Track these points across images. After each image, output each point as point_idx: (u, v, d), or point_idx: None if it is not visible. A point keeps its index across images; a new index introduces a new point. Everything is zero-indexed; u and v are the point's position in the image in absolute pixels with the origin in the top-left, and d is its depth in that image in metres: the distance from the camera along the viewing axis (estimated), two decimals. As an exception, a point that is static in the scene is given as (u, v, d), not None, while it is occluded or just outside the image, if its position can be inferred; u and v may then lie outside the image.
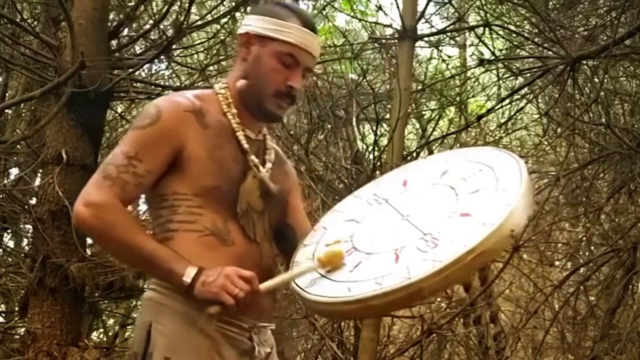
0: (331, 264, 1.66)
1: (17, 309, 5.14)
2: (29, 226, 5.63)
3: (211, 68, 5.26)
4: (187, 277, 1.61)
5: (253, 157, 1.77)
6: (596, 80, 4.57)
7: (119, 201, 1.66)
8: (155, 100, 1.76)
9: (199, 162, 1.70)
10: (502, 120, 5.76)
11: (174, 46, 5.06)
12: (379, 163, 5.24)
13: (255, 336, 1.74)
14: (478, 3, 5.11)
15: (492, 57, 4.97)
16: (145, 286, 4.39)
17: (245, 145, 1.76)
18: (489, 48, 5.17)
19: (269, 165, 1.81)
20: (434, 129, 6.11)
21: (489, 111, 5.27)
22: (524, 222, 1.60)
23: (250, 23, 1.80)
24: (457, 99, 5.74)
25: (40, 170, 4.82)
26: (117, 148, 1.71)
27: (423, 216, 1.69)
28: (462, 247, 1.50)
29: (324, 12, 6.21)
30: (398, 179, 1.90)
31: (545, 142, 5.65)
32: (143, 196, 1.82)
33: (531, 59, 4.98)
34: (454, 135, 5.80)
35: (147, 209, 1.88)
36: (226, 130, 1.76)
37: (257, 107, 1.78)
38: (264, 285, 1.66)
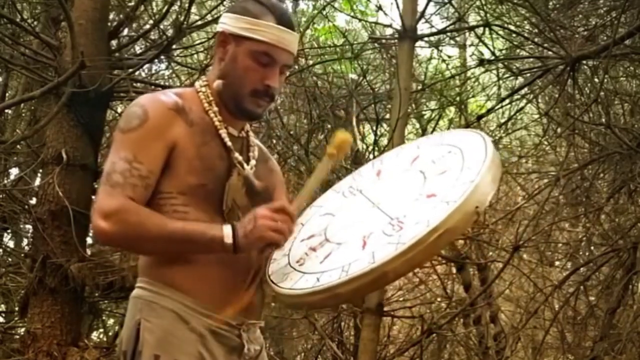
0: (342, 151, 1.71)
1: (17, 309, 5.14)
2: (29, 226, 5.63)
3: (211, 68, 5.25)
4: (228, 238, 1.63)
5: (237, 155, 1.77)
6: (596, 80, 4.57)
7: (133, 201, 1.64)
8: (137, 101, 1.74)
9: (186, 160, 1.69)
10: (502, 120, 5.76)
11: (174, 46, 5.05)
12: (379, 163, 5.24)
13: (245, 333, 1.74)
14: (478, 3, 5.11)
15: (492, 57, 4.97)
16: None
17: (229, 143, 1.76)
18: (489, 48, 5.17)
19: (252, 162, 1.81)
20: (434, 129, 6.11)
21: (489, 111, 5.27)
22: (490, 197, 1.60)
23: (226, 22, 1.78)
24: (457, 99, 5.74)
25: (40, 170, 4.82)
26: (113, 155, 1.69)
27: (392, 202, 1.69)
28: (424, 227, 1.50)
29: (324, 12, 6.21)
30: (373, 169, 1.91)
31: (545, 142, 5.65)
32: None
33: (531, 59, 4.98)
34: (454, 135, 5.79)
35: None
36: (209, 128, 1.75)
37: (236, 106, 1.78)
38: (295, 206, 1.70)
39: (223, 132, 1.76)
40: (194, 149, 1.70)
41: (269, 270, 1.73)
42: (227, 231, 1.63)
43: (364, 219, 1.70)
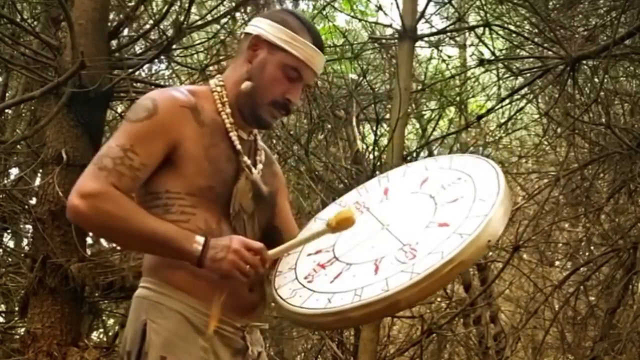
0: (341, 227, 1.68)
1: (17, 309, 5.14)
2: (29, 226, 5.62)
3: (211, 68, 5.26)
4: (196, 251, 1.62)
5: (246, 159, 1.76)
6: (596, 80, 4.57)
7: (116, 190, 1.62)
8: (150, 94, 1.73)
9: (194, 160, 1.69)
10: (502, 120, 5.76)
11: (174, 46, 5.05)
12: (379, 163, 5.25)
13: (248, 335, 1.75)
14: (478, 3, 5.11)
15: (492, 57, 4.97)
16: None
17: (238, 146, 1.75)
18: (489, 48, 5.17)
19: (260, 166, 1.81)
20: (434, 129, 6.12)
21: (489, 111, 5.27)
22: (501, 231, 1.62)
23: (262, 27, 1.78)
24: (457, 99, 5.74)
25: (40, 170, 4.82)
26: (111, 140, 1.68)
27: (402, 226, 1.70)
28: (439, 259, 1.51)
29: (324, 12, 6.21)
30: (380, 187, 1.90)
31: (545, 142, 5.65)
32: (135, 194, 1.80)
33: (531, 59, 4.98)
34: (454, 135, 5.81)
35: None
36: (220, 129, 1.75)
37: (251, 112, 1.77)
38: (272, 252, 1.68)
39: (233, 135, 1.76)
40: (203, 150, 1.70)
41: (275, 283, 1.73)
42: (197, 245, 1.63)
43: (373, 240, 1.70)
